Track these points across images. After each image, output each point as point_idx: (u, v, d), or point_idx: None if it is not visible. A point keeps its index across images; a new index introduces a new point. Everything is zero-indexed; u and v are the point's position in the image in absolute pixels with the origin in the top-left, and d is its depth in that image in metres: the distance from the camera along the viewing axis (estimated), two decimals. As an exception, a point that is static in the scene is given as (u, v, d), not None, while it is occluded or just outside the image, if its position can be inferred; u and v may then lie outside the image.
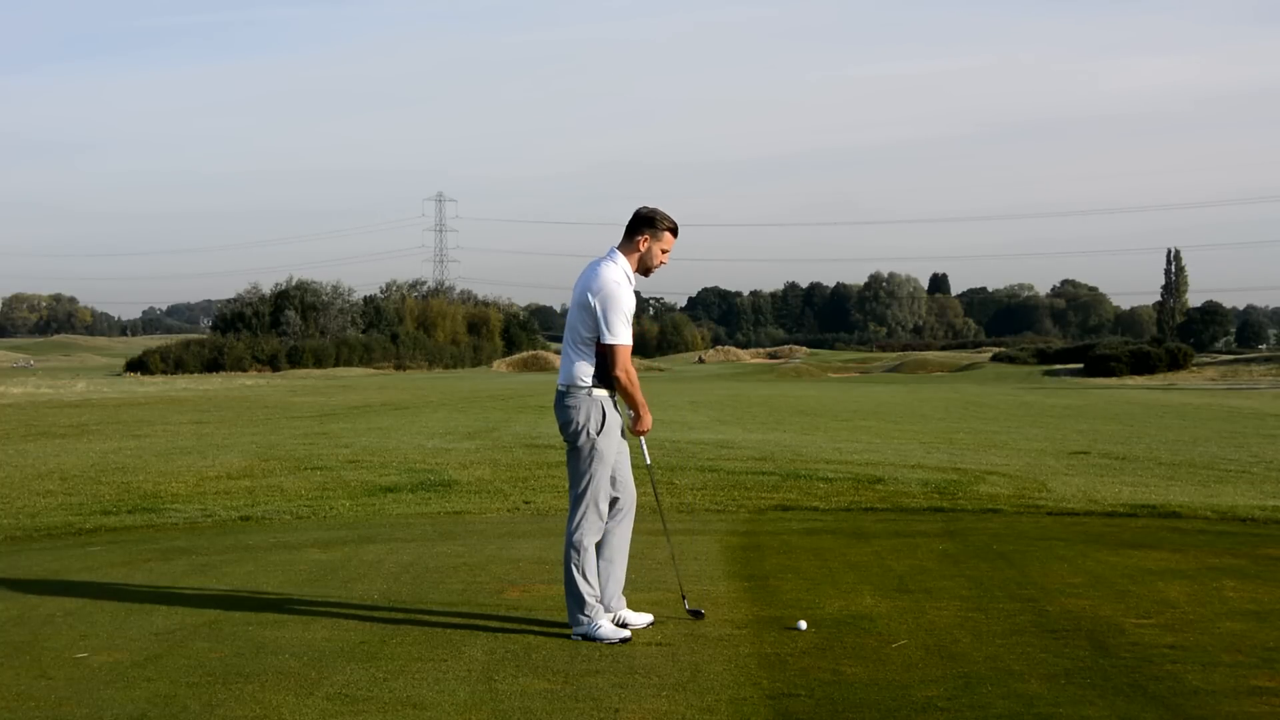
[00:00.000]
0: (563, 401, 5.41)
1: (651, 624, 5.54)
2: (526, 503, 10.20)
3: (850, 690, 4.50)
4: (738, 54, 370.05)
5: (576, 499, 5.41)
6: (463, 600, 6.12)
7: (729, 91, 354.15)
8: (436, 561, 7.24)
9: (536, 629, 5.51)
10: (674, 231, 5.52)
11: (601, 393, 5.38)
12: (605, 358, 5.34)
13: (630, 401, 5.45)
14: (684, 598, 5.81)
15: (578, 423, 5.35)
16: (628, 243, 5.48)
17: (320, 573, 6.95)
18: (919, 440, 17.81)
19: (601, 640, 5.25)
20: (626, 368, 5.33)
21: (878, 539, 8.05)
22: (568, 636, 5.35)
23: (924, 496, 10.45)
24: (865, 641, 5.22)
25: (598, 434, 5.35)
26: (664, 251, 5.50)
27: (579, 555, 5.36)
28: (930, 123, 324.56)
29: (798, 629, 5.40)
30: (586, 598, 5.32)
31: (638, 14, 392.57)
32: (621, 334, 5.31)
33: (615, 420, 5.45)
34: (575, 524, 5.39)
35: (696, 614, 5.66)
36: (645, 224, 5.45)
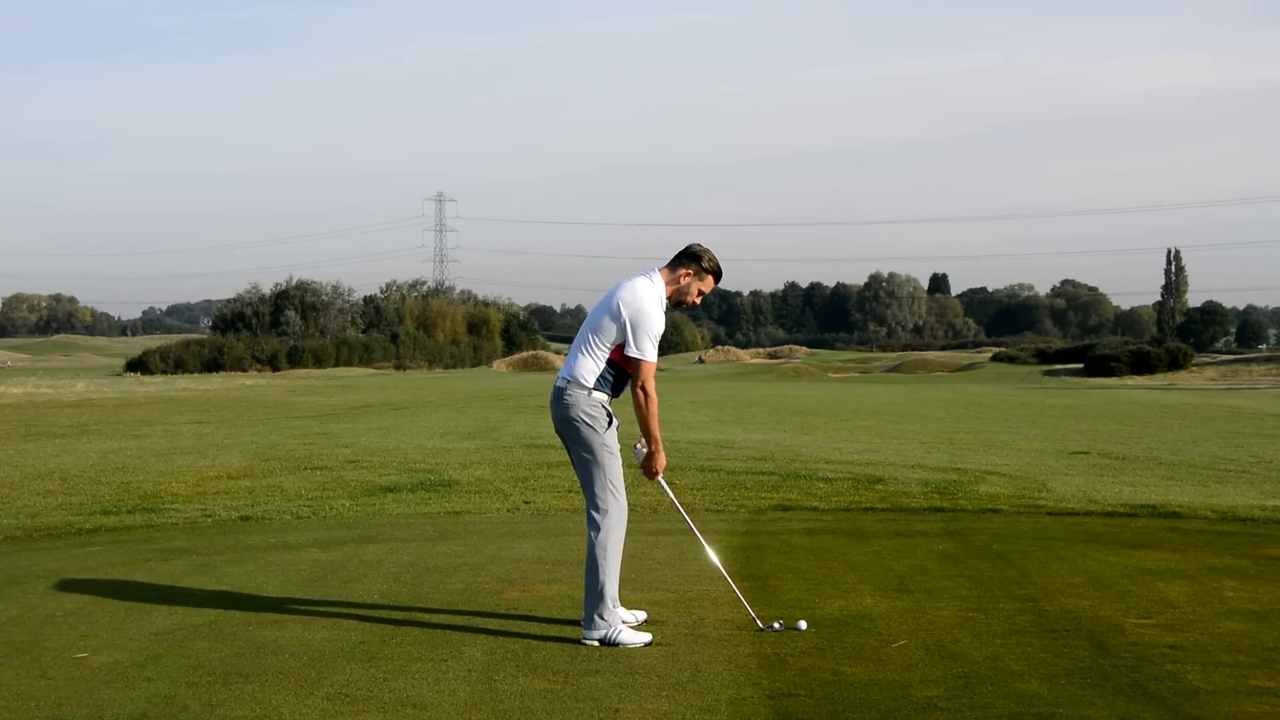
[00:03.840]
0: (560, 398, 5.40)
1: (645, 621, 5.54)
2: (526, 503, 10.20)
3: (850, 690, 4.50)
4: (738, 54, 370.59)
5: (596, 498, 5.34)
6: (463, 600, 6.12)
7: (729, 91, 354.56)
8: (436, 561, 7.23)
9: (536, 629, 5.51)
10: (716, 277, 5.56)
11: (601, 396, 5.37)
12: (623, 367, 5.35)
13: (644, 429, 5.41)
14: (755, 618, 5.51)
15: (575, 420, 5.34)
16: (670, 271, 5.49)
17: (320, 573, 6.95)
18: (919, 440, 17.81)
19: (623, 645, 5.19)
20: (647, 385, 5.32)
21: (878, 539, 8.05)
22: (568, 637, 5.34)
23: (924, 496, 10.45)
24: (865, 641, 5.22)
25: (604, 430, 5.35)
26: (699, 293, 5.52)
27: (605, 556, 5.28)
28: (930, 123, 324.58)
29: (775, 628, 5.38)
30: (608, 602, 5.27)
31: (637, 14, 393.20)
32: (648, 352, 5.30)
33: (617, 423, 5.45)
34: (601, 524, 5.32)
35: (769, 628, 5.40)
36: (693, 260, 5.49)
